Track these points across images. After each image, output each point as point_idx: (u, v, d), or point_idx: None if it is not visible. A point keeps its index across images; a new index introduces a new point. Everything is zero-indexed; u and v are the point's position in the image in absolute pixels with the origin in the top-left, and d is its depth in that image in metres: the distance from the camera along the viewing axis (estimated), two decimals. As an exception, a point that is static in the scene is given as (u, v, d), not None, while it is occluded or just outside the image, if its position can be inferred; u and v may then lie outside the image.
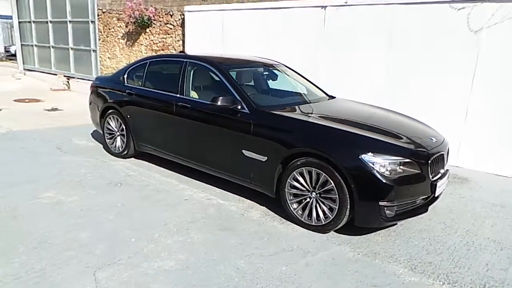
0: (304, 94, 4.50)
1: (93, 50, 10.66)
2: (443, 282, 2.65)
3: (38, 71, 12.53)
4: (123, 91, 4.82)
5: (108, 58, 10.86)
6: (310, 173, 3.18)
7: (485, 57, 4.96)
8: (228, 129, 3.72)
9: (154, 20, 9.33)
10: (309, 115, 3.58)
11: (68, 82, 11.46)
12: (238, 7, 7.50)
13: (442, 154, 3.28)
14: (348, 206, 3.01)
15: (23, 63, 13.11)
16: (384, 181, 2.88)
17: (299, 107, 3.88)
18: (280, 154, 3.33)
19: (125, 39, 10.28)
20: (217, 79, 3.99)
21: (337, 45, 6.26)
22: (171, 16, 9.00)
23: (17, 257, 2.73)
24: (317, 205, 3.21)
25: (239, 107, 3.63)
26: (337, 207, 3.06)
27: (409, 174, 2.99)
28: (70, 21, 11.00)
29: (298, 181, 3.28)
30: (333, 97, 4.54)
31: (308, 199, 3.27)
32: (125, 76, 4.92)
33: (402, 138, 3.22)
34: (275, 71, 4.70)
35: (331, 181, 3.04)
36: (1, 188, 3.93)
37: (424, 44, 5.39)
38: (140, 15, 9.24)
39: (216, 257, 2.85)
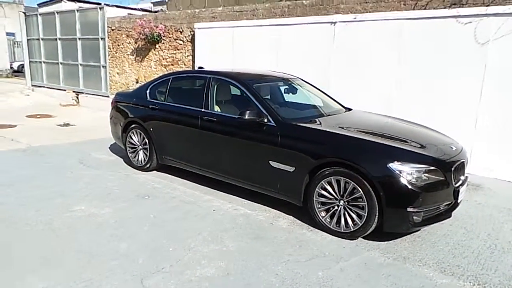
0: (321, 106, 4.67)
1: (103, 66, 10.87)
2: (473, 283, 2.78)
3: (46, 87, 12.71)
4: (146, 106, 4.99)
5: (117, 73, 11.07)
6: (338, 182, 3.33)
7: (493, 67, 5.18)
8: (255, 141, 3.87)
9: (164, 36, 9.57)
10: (333, 126, 3.75)
11: (77, 97, 11.64)
12: (248, 24, 7.74)
13: (463, 162, 3.45)
14: (377, 213, 3.16)
15: (31, 79, 13.30)
16: (411, 188, 3.04)
17: (320, 119, 4.05)
18: (308, 165, 3.49)
19: (134, 55, 10.51)
20: (242, 93, 4.16)
21: (347, 58, 6.48)
22: (181, 32, 9.24)
23: (63, 268, 2.84)
24: (345, 212, 3.36)
25: (265, 120, 3.80)
26: (366, 214, 3.21)
27: (434, 181, 3.14)
28: (79, 38, 11.23)
29: (326, 190, 3.42)
30: (350, 109, 4.72)
31: (336, 207, 3.41)
32: (148, 92, 5.09)
33: (425, 147, 3.38)
34: (293, 85, 4.88)
35: (360, 189, 3.19)
36: (34, 201, 4.05)
37: (432, 56, 5.61)
38: (150, 32, 9.48)
39: (253, 264, 2.98)
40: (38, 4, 34.59)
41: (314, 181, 3.47)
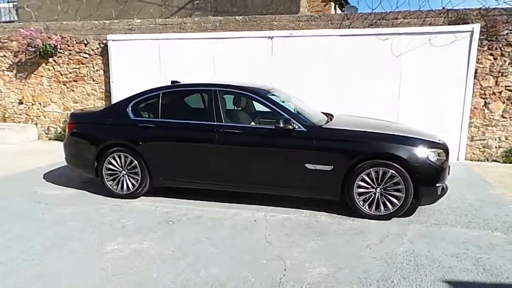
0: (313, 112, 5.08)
1: (-33, 86, 8.62)
2: (492, 230, 3.76)
3: None
4: (133, 125, 4.49)
5: (-14, 94, 8.95)
6: (376, 172, 3.90)
7: (405, 73, 6.69)
8: (288, 148, 4.07)
9: (61, 49, 8.33)
10: (356, 126, 4.28)
11: None
12: (179, 37, 7.58)
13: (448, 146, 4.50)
14: (412, 193, 3.86)
15: None
16: (436, 167, 3.86)
17: (333, 121, 4.52)
18: (347, 161, 3.93)
19: (15, 71, 8.74)
20: (261, 104, 4.29)
21: (284, 69, 7.16)
22: (86, 44, 8.24)
23: (185, 306, 2.53)
24: (383, 197, 3.94)
25: (296, 126, 4.06)
26: (403, 195, 3.87)
27: (444, 161, 4.04)
28: None
29: (364, 181, 3.94)
30: (332, 115, 5.28)
31: (372, 195, 3.97)
32: (130, 109, 4.58)
33: (430, 136, 4.25)
34: (277, 94, 5.18)
35: (398, 175, 3.83)
36: (50, 252, 3.23)
37: (359, 65, 6.82)
38: (43, 44, 8.10)
39: (346, 255, 3.25)
40: None
41: (353, 175, 3.94)
